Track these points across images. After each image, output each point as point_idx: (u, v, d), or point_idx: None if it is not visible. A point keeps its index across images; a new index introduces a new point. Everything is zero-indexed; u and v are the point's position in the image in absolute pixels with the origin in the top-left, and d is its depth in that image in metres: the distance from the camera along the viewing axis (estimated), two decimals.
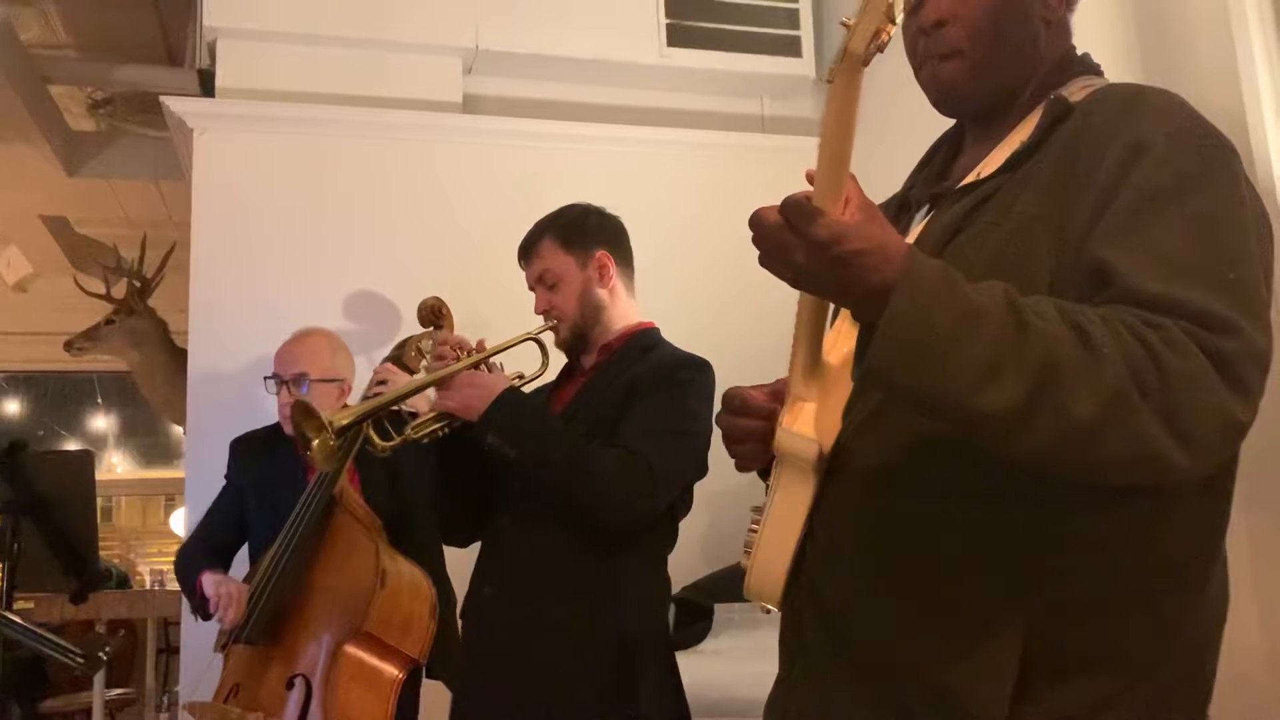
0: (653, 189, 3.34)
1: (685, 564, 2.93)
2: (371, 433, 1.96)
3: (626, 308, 2.09)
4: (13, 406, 8.20)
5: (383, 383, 2.20)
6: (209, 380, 2.98)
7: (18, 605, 2.56)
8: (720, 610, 2.69)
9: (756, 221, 0.95)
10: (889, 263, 0.91)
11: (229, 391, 2.95)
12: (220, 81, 3.15)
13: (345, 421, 1.89)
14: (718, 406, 1.24)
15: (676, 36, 3.40)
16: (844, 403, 1.10)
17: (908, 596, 1.05)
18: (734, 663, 2.50)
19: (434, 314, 2.57)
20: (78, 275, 5.47)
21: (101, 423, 8.65)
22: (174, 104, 3.11)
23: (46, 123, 4.44)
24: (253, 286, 3.02)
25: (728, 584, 2.69)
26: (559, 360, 2.14)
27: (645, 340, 2.06)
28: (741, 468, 1.23)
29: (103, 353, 4.95)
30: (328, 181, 3.14)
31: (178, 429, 6.68)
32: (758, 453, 1.19)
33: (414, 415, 2.00)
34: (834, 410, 1.10)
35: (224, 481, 2.65)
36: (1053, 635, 1.00)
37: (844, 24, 0.88)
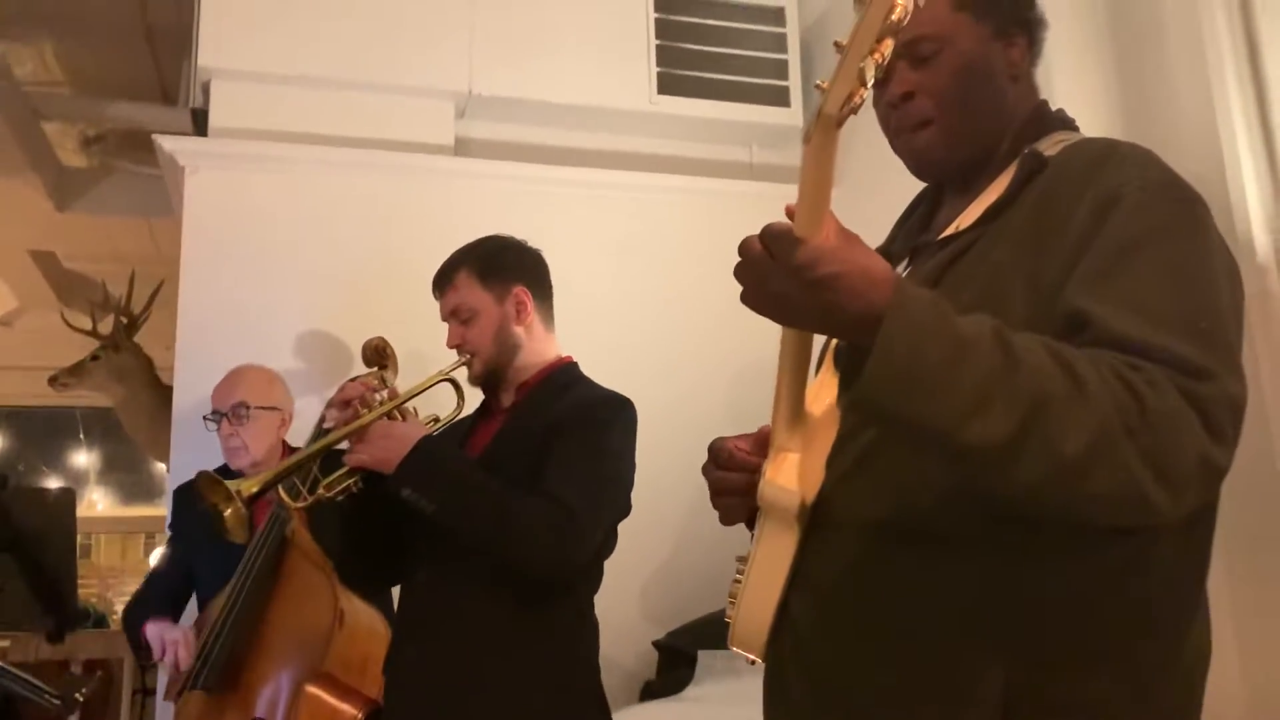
0: (641, 233, 3.37)
1: (665, 611, 2.92)
2: (283, 494, 1.90)
3: (544, 344, 2.04)
4: None
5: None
6: (193, 418, 2.96)
7: None
8: (703, 657, 2.67)
9: (742, 250, 0.96)
10: (873, 287, 0.92)
11: (213, 430, 2.93)
12: (214, 121, 3.17)
13: (254, 490, 1.83)
14: (694, 449, 1.23)
15: (667, 84, 3.44)
16: (827, 453, 1.11)
17: (888, 649, 1.05)
18: (716, 709, 2.48)
19: (378, 354, 2.55)
20: (64, 310, 5.47)
21: (83, 458, 8.57)
22: (166, 142, 3.12)
23: (38, 158, 4.46)
24: (240, 325, 3.02)
25: (711, 630, 2.68)
26: (475, 396, 2.08)
27: (564, 377, 2.00)
28: (726, 520, 1.23)
29: (87, 388, 4.92)
30: (318, 222, 3.15)
31: (160, 466, 6.64)
32: (741, 505, 1.20)
33: (330, 469, 1.91)
34: (817, 460, 1.11)
35: (168, 532, 2.65)
36: (1033, 686, 1.00)
37: (818, 87, 0.91)
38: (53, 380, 4.88)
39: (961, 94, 1.19)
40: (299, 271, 3.10)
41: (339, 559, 2.07)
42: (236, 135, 3.15)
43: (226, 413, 2.53)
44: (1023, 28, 1.24)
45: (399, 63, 3.24)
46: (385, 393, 1.93)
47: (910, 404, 0.92)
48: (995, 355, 0.91)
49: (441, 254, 3.18)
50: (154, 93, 5.04)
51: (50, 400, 5.60)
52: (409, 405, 1.95)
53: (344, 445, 1.91)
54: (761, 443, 1.18)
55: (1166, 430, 0.91)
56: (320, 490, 1.87)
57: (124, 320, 4.90)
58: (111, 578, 8.65)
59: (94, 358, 4.84)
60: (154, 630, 2.35)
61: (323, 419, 2.37)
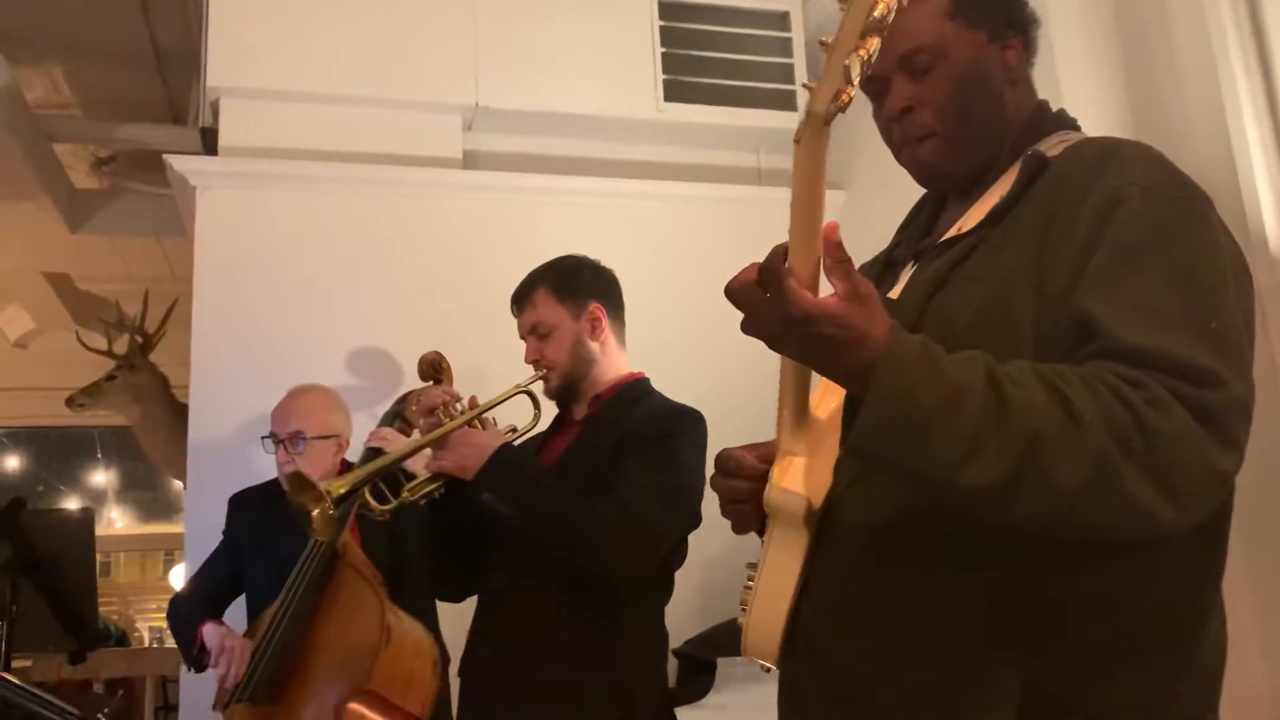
0: (650, 241, 3.37)
1: (684, 618, 2.91)
2: (369, 497, 1.96)
3: (617, 359, 2.10)
4: (13, 462, 8.18)
5: (378, 449, 2.20)
6: (210, 435, 2.98)
7: (15, 664, 2.55)
8: (723, 665, 2.67)
9: (736, 290, 0.97)
10: (865, 347, 0.93)
11: (229, 446, 2.95)
12: (223, 140, 3.19)
13: (343, 490, 1.88)
14: (710, 456, 1.24)
15: (673, 92, 3.45)
16: (834, 456, 1.11)
17: (902, 654, 1.04)
18: (737, 717, 2.47)
19: (434, 368, 2.58)
20: (80, 331, 5.50)
21: (101, 478, 8.62)
22: (177, 162, 3.15)
23: (50, 180, 4.48)
24: (254, 342, 3.03)
25: (730, 638, 2.67)
26: (551, 410, 2.14)
27: (635, 391, 2.06)
28: (739, 529, 1.24)
29: (104, 408, 4.95)
30: (329, 237, 3.17)
31: (177, 484, 6.67)
32: (752, 513, 1.20)
33: (410, 476, 1.99)
34: (824, 464, 1.11)
35: (221, 537, 2.64)
36: (1049, 691, 0.99)
37: (806, 87, 0.92)
38: (70, 401, 4.91)
39: (961, 103, 1.19)
40: (311, 287, 3.12)
41: (420, 567, 2.12)
42: (246, 153, 3.18)
43: (283, 440, 2.53)
44: (1016, 29, 1.24)
45: (406, 78, 3.26)
46: (466, 402, 2.00)
47: (904, 453, 0.94)
48: (987, 398, 0.92)
49: (453, 266, 3.21)
50: (164, 113, 5.07)
51: (68, 420, 5.63)
52: (488, 416, 2.02)
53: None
54: (767, 455, 1.18)
55: (1170, 448, 0.91)
56: (404, 494, 1.94)
57: (139, 340, 4.93)
58: (132, 595, 8.69)
59: (110, 377, 4.87)
60: (214, 634, 2.32)
61: (372, 437, 2.40)
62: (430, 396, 2.02)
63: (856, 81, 0.87)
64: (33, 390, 6.73)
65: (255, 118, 3.20)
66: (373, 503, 1.96)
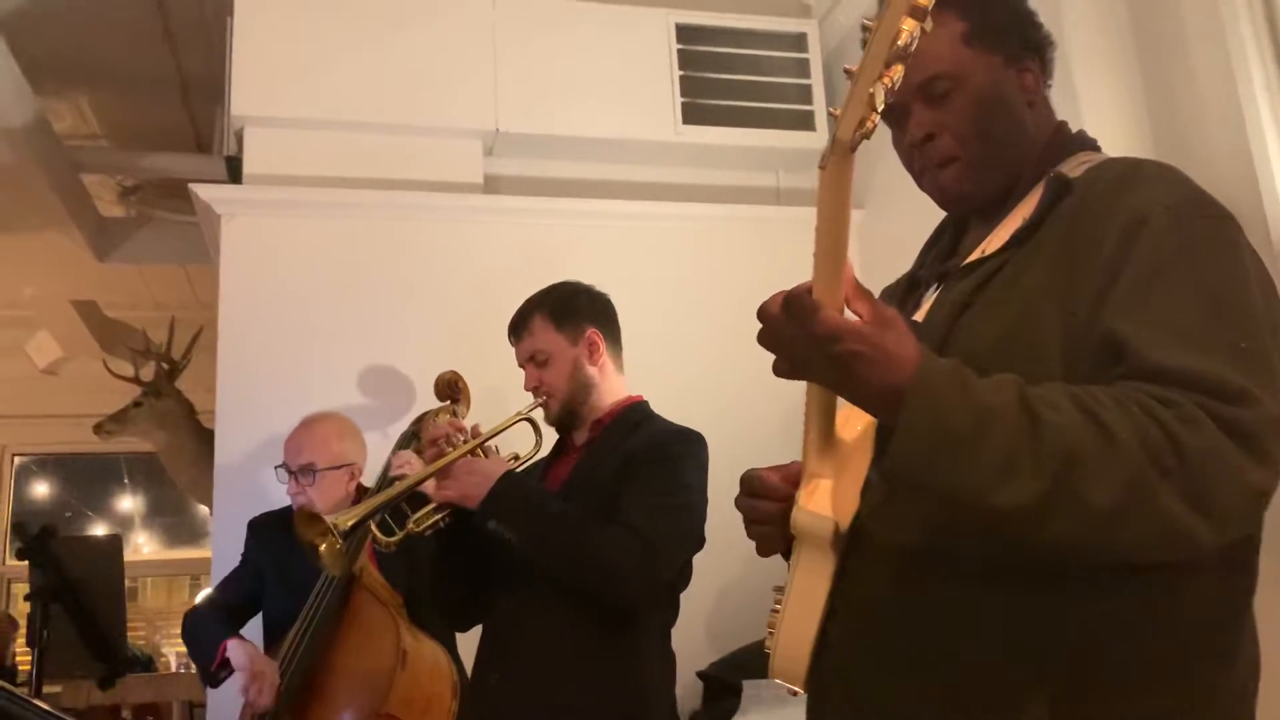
0: (670, 262, 3.38)
1: (708, 641, 2.90)
2: (376, 530, 1.96)
3: (615, 383, 2.11)
4: (41, 488, 8.25)
5: (399, 476, 2.21)
6: (235, 461, 3.00)
7: (46, 690, 2.56)
8: (748, 687, 2.66)
9: (763, 315, 0.98)
10: (893, 370, 0.93)
11: (255, 472, 2.96)
12: (248, 168, 3.22)
13: (350, 524, 1.89)
14: (719, 476, 1.24)
15: (692, 114, 3.46)
16: (860, 478, 1.11)
17: (931, 676, 1.04)
18: None
19: (450, 388, 2.59)
20: (107, 358, 5.56)
21: (128, 503, 8.67)
22: (202, 190, 3.18)
23: (78, 210, 4.54)
24: (279, 368, 3.06)
25: (755, 660, 2.66)
26: (552, 436, 2.15)
27: (635, 415, 2.07)
28: (763, 551, 1.24)
29: (131, 435, 5.00)
30: (353, 264, 3.19)
31: (203, 509, 6.71)
32: (777, 535, 1.20)
33: (417, 506, 1.98)
34: (851, 486, 1.11)
35: (240, 559, 2.65)
36: (1079, 713, 0.99)
37: (831, 114, 0.92)
38: (97, 428, 4.96)
39: (982, 128, 1.20)
40: (335, 313, 3.14)
41: (429, 594, 2.12)
42: (270, 181, 3.21)
43: (295, 471, 2.54)
44: (1033, 51, 1.24)
45: (427, 104, 3.29)
46: (469, 431, 2.00)
47: (938, 476, 0.94)
48: (1020, 419, 0.92)
49: (476, 290, 3.23)
50: (189, 142, 5.14)
51: (95, 447, 5.69)
52: (490, 444, 2.02)
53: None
54: (790, 476, 1.19)
55: (1204, 466, 0.91)
56: (410, 525, 1.94)
57: (165, 366, 4.98)
58: (159, 620, 8.71)
59: (137, 404, 4.92)
60: (242, 652, 2.31)
61: (388, 465, 2.41)
62: (433, 429, 2.04)
63: (880, 108, 0.88)
64: (60, 417, 6.80)
65: (279, 146, 3.23)
66: (379, 535, 1.96)
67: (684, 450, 1.97)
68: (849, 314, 0.97)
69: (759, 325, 1.00)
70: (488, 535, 1.87)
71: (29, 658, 2.43)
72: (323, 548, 1.88)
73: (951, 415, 0.92)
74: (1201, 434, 0.91)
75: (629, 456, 1.94)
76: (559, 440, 2.15)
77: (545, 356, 2.05)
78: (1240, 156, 2.16)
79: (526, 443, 2.10)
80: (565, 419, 2.07)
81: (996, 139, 1.20)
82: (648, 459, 1.93)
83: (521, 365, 2.09)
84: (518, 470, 1.99)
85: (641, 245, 3.37)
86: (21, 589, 6.66)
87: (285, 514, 2.61)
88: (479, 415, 2.12)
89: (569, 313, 2.08)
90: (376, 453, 2.69)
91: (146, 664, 6.14)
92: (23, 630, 5.58)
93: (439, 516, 1.94)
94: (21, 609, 6.22)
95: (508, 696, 1.91)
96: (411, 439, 2.64)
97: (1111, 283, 1.03)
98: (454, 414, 2.56)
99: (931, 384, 0.93)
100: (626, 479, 1.91)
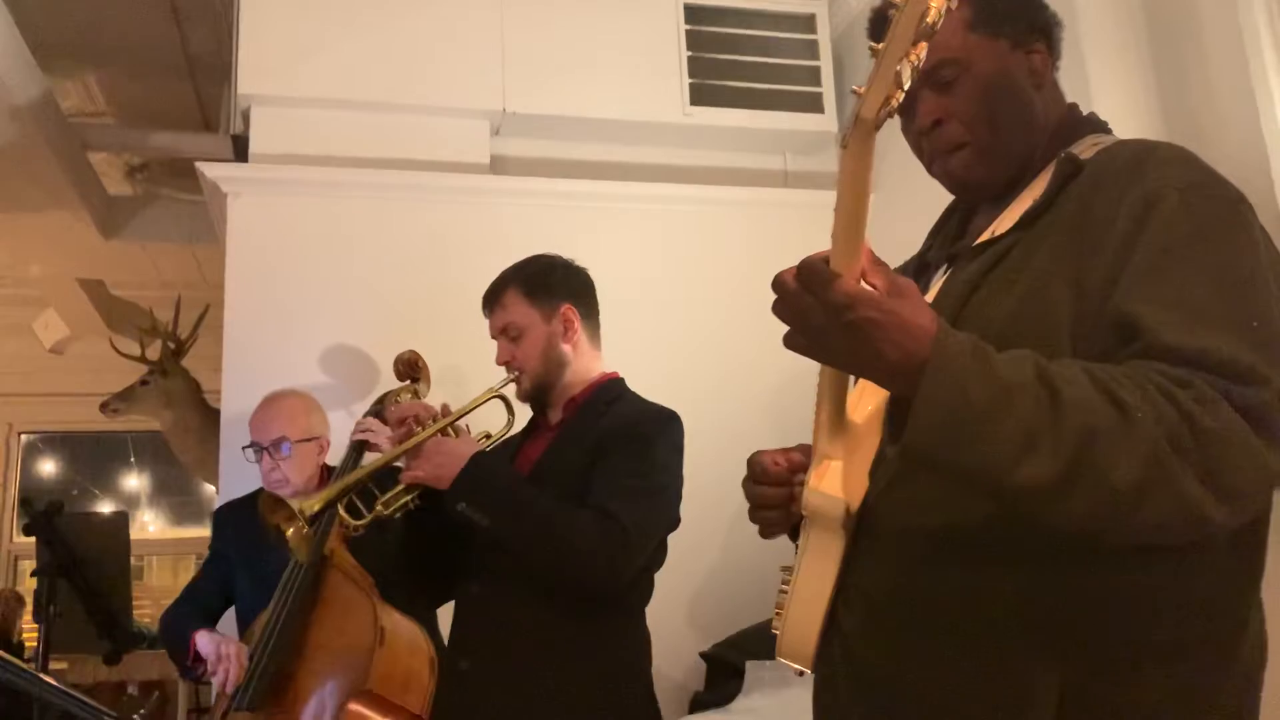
0: (678, 245, 3.38)
1: (715, 621, 2.91)
2: (343, 513, 1.93)
3: (591, 361, 2.07)
4: (48, 466, 8.28)
5: (363, 443, 2.19)
6: (241, 439, 3.00)
7: (53, 666, 2.58)
8: (751, 668, 2.66)
9: (778, 284, 0.95)
10: (911, 338, 0.91)
11: (254, 462, 2.97)
12: (254, 147, 3.22)
13: (316, 508, 1.87)
14: (727, 457, 1.23)
15: (699, 95, 3.44)
16: (870, 460, 1.11)
17: (940, 654, 1.04)
18: None
19: (410, 367, 2.57)
20: (113, 337, 5.57)
21: (134, 482, 8.71)
22: (208, 169, 3.18)
23: (84, 188, 4.54)
24: (285, 347, 3.06)
25: (758, 641, 2.67)
26: (525, 412, 2.11)
27: (609, 393, 2.03)
28: (766, 534, 1.24)
29: (137, 413, 5.01)
30: (359, 243, 3.19)
31: (209, 488, 6.73)
32: (781, 518, 1.20)
33: (385, 488, 1.95)
34: (861, 467, 1.11)
35: (209, 552, 2.66)
36: (1089, 690, 0.99)
37: (855, 92, 0.91)
38: (104, 406, 4.97)
39: (990, 113, 1.19)
40: (342, 292, 3.14)
41: (396, 576, 2.10)
42: (276, 160, 3.20)
43: (267, 447, 2.54)
44: (1039, 33, 1.24)
45: (433, 84, 3.28)
46: (439, 410, 1.97)
47: (957, 452, 0.92)
48: (1039, 394, 0.91)
49: (481, 271, 3.20)
50: (195, 121, 5.13)
51: (102, 426, 5.70)
52: (461, 423, 1.98)
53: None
54: (794, 460, 1.18)
55: (1220, 446, 0.91)
56: (378, 508, 1.91)
57: (171, 345, 4.99)
58: (165, 598, 8.75)
59: (143, 383, 4.93)
60: (208, 641, 2.33)
61: (356, 429, 2.40)
62: (401, 408, 1.99)
63: (906, 86, 0.87)
64: (67, 396, 6.82)
65: (285, 125, 3.23)
66: (347, 518, 1.93)
67: (657, 430, 1.93)
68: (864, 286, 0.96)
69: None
70: (457, 518, 1.83)
71: (35, 633, 2.44)
72: (290, 533, 1.86)
73: (971, 388, 0.91)
74: (1218, 415, 0.91)
75: (602, 436, 1.90)
76: (532, 418, 2.11)
77: (518, 331, 2.00)
78: (1252, 138, 2.15)
79: (499, 420, 2.07)
80: (537, 396, 2.03)
81: (1005, 124, 1.20)
82: (620, 439, 1.89)
83: (493, 338, 2.05)
84: (489, 449, 1.95)
85: (648, 227, 3.36)
86: (28, 565, 6.70)
87: (250, 500, 2.58)
88: (465, 397, 2.09)
89: (544, 288, 2.03)
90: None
91: (153, 641, 6.17)
92: (29, 606, 5.61)
93: (408, 498, 1.90)
94: (28, 585, 6.26)
95: (479, 683, 1.88)
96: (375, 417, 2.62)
97: (1123, 263, 1.02)
98: (415, 394, 2.54)
99: (951, 355, 0.92)
100: (599, 459, 1.87)
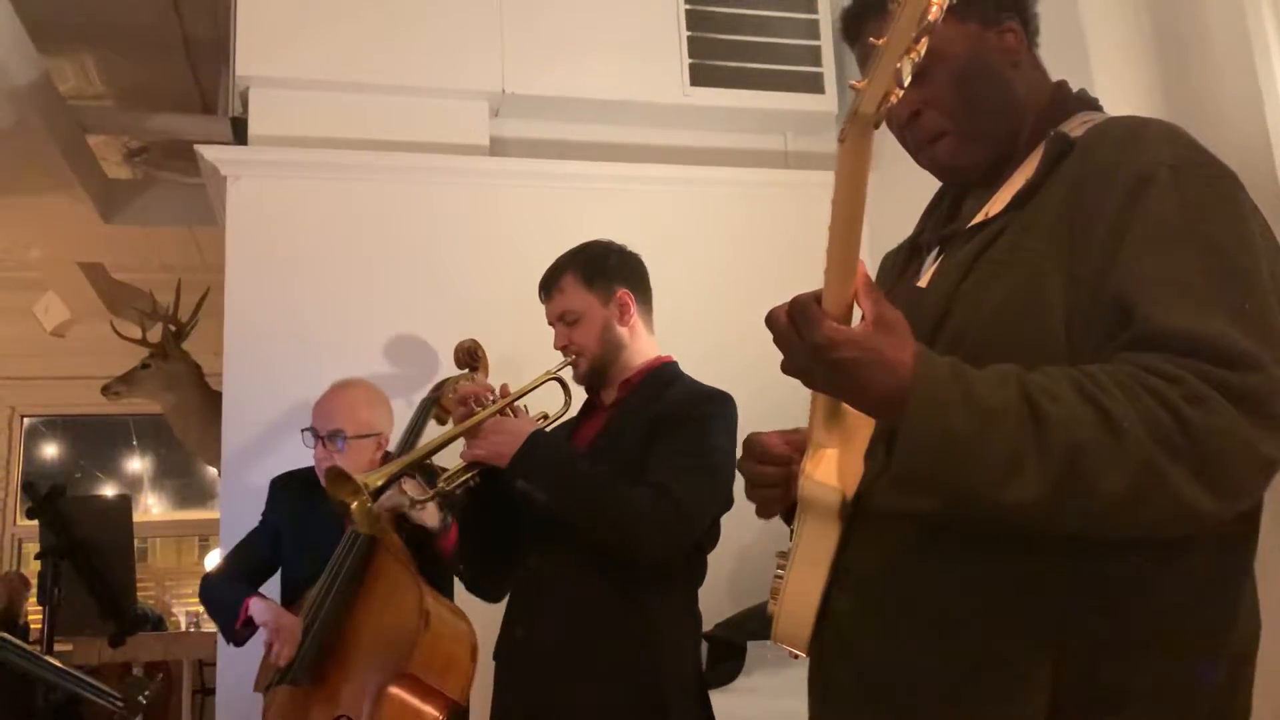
0: (678, 226, 3.37)
1: (713, 602, 2.92)
2: (407, 489, 1.99)
3: (646, 344, 2.10)
4: (50, 449, 8.30)
5: (428, 409, 2.23)
6: (243, 422, 3.01)
7: (57, 648, 2.59)
8: (753, 648, 2.67)
9: (770, 320, 0.99)
10: (892, 374, 0.94)
11: (263, 433, 2.98)
12: (253, 129, 3.21)
13: (380, 483, 1.91)
14: (739, 438, 1.25)
15: (699, 76, 3.43)
16: (865, 446, 1.11)
17: (934, 639, 1.05)
18: (767, 700, 2.48)
19: (470, 355, 2.60)
20: (114, 320, 5.57)
21: (137, 465, 8.73)
22: (208, 151, 3.17)
23: (84, 171, 4.53)
24: (286, 329, 3.06)
25: (760, 621, 2.68)
26: (581, 396, 2.15)
27: (665, 375, 2.07)
28: (763, 513, 1.25)
29: (138, 396, 5.02)
30: (359, 225, 3.19)
31: (211, 471, 6.75)
32: (778, 497, 1.21)
33: (445, 467, 2.00)
34: (856, 456, 1.11)
35: (259, 519, 2.66)
36: (1081, 676, 1.00)
37: (853, 87, 0.90)
38: (105, 389, 4.99)
39: (966, 99, 1.19)
40: (341, 274, 3.14)
41: (461, 559, 2.14)
42: (276, 142, 3.20)
43: (323, 436, 2.53)
44: (1010, 10, 1.22)
45: (432, 65, 3.27)
46: (498, 391, 2.01)
47: (945, 479, 0.95)
48: (1021, 415, 0.93)
49: (481, 252, 3.23)
50: (194, 103, 5.11)
51: (104, 409, 5.71)
52: (519, 403, 2.03)
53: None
54: (794, 441, 1.19)
55: (1213, 442, 0.91)
56: (441, 484, 1.96)
57: (172, 329, 4.99)
58: (168, 580, 8.80)
59: (144, 366, 4.94)
60: (265, 610, 2.32)
61: (413, 421, 2.41)
62: (462, 389, 2.04)
63: (906, 84, 0.87)
64: (69, 379, 6.83)
65: (284, 107, 3.22)
66: (410, 494, 1.99)
67: (713, 411, 1.97)
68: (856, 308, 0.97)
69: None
70: (517, 495, 1.89)
71: (40, 616, 2.46)
72: (354, 506, 1.90)
73: (953, 416, 0.93)
74: (1209, 411, 0.91)
75: (657, 417, 1.94)
76: (587, 400, 2.15)
77: (575, 316, 2.04)
78: (1254, 118, 2.14)
79: (556, 402, 2.11)
80: (594, 379, 2.07)
81: (984, 107, 1.20)
82: (676, 419, 1.93)
83: (551, 324, 2.09)
84: (546, 429, 1.99)
85: (649, 208, 3.35)
86: (32, 548, 6.72)
87: (306, 474, 2.59)
88: (493, 380, 2.11)
89: (600, 272, 2.07)
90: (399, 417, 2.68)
91: (157, 623, 6.20)
92: (34, 589, 5.63)
93: (469, 475, 1.95)
94: (33, 568, 6.29)
95: (533, 652, 1.93)
96: (431, 405, 2.64)
97: (1116, 243, 1.02)
98: (473, 382, 2.56)
99: (931, 387, 0.94)
100: (655, 439, 1.91)
